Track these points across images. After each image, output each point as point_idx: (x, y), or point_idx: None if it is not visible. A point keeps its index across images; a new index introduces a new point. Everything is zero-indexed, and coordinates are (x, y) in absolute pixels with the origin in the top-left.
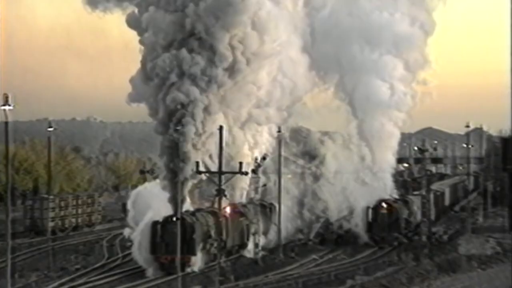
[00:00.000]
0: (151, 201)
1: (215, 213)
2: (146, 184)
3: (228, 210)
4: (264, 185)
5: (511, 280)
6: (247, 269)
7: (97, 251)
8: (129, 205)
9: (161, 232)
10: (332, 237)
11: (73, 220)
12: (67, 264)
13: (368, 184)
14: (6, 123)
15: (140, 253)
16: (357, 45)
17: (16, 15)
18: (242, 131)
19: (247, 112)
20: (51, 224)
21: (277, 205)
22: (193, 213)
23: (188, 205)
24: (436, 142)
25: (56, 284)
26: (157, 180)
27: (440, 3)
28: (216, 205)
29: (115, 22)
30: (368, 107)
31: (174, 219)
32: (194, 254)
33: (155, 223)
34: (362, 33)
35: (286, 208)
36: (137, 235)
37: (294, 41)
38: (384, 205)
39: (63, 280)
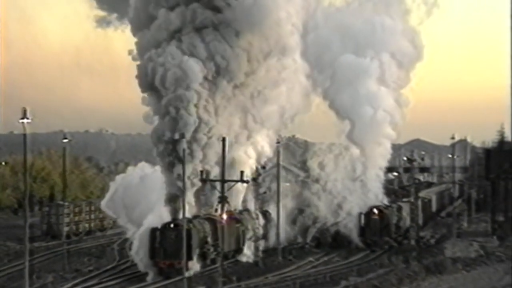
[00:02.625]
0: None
1: (212, 220)
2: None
3: (224, 216)
4: (264, 192)
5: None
6: (248, 270)
7: (109, 254)
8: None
9: (159, 238)
10: (327, 240)
11: (87, 225)
12: (81, 266)
13: (360, 191)
14: (25, 135)
15: (139, 257)
16: (348, 56)
17: (30, 37)
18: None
19: (241, 122)
20: (66, 228)
21: (272, 212)
22: (190, 220)
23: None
24: (423, 152)
25: (70, 284)
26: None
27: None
28: (218, 212)
29: (120, 40)
30: (359, 117)
31: (172, 225)
32: (191, 259)
33: (154, 230)
34: (354, 46)
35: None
36: (136, 240)
37: (302, 66)
38: (375, 211)
39: (77, 281)
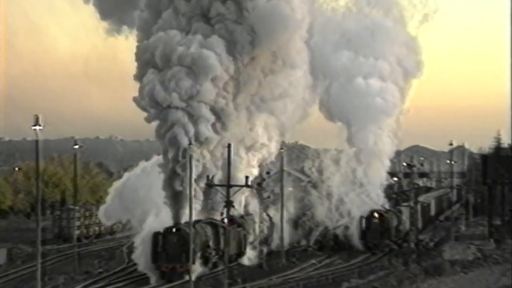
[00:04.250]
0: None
1: (214, 224)
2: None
3: (226, 221)
4: (268, 197)
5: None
6: (252, 273)
7: (118, 257)
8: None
9: (162, 242)
10: (330, 243)
11: (97, 228)
12: (91, 268)
13: (360, 195)
14: (37, 141)
15: (141, 260)
16: (347, 58)
17: (41, 47)
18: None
19: (247, 124)
20: (76, 232)
21: (273, 216)
22: (192, 224)
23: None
24: (422, 158)
25: (81, 286)
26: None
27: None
28: (224, 216)
29: (128, 48)
30: (359, 121)
31: (174, 229)
32: (193, 263)
33: (156, 234)
34: (355, 50)
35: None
36: (139, 244)
37: (306, 79)
38: (376, 215)
39: (87, 283)
